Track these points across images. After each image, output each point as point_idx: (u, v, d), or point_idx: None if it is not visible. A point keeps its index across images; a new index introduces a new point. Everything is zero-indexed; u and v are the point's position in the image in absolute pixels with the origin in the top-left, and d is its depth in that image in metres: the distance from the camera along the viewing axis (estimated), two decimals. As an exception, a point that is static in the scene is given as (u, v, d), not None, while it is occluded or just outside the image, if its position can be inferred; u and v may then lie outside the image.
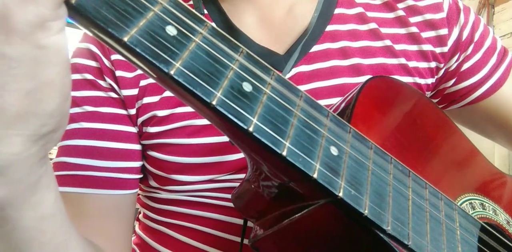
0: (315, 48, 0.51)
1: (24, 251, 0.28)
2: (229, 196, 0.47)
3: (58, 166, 0.49)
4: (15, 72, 0.21)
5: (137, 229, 0.58)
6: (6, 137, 0.22)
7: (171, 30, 0.25)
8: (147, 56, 0.23)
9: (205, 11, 0.52)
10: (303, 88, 0.49)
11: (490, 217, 0.43)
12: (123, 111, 0.49)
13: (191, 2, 0.51)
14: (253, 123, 0.25)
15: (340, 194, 0.26)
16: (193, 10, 0.26)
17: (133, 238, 0.58)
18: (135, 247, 0.56)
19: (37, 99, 0.22)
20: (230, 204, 0.48)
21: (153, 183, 0.51)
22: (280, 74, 0.28)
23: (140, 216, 0.58)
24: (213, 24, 0.27)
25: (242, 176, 0.48)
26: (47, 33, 0.21)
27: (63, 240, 0.31)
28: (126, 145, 0.49)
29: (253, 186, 0.33)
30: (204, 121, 0.47)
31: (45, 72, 0.22)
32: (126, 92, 0.49)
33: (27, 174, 0.24)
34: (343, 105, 0.39)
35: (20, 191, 0.25)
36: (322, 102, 0.37)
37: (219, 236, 0.49)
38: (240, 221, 0.48)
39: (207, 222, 0.50)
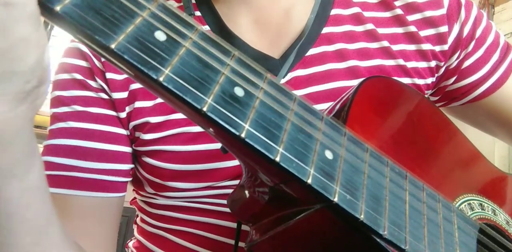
0: (311, 51, 0.50)
1: (4, 225, 0.28)
2: (226, 202, 0.47)
3: None
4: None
5: (135, 233, 0.58)
6: None
7: (160, 36, 0.24)
8: (135, 63, 0.23)
9: (199, 13, 0.51)
10: (300, 92, 0.49)
11: (489, 217, 0.42)
12: (113, 112, 0.48)
13: (182, 3, 0.51)
14: (245, 129, 0.24)
15: (335, 199, 0.26)
16: (183, 15, 0.26)
17: (132, 241, 0.58)
18: (134, 250, 0.56)
19: (14, 57, 0.22)
20: (228, 210, 0.48)
21: (149, 189, 0.51)
22: (273, 78, 0.28)
23: (138, 220, 0.57)
24: (203, 28, 0.26)
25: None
26: None
27: (45, 223, 0.31)
28: (114, 146, 0.48)
29: (248, 191, 0.32)
30: (200, 128, 0.47)
31: (16, 29, 0.21)
32: (116, 95, 0.48)
33: (16, 135, 0.24)
34: (338, 106, 0.38)
35: (10, 155, 0.24)
36: (320, 107, 0.37)
37: (217, 240, 0.49)
38: (237, 225, 0.48)
39: (204, 227, 0.49)
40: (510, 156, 1.60)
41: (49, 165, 0.47)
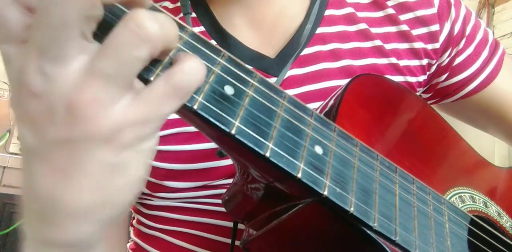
0: (306, 51, 0.51)
1: None
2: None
3: None
4: (120, 178, 0.23)
5: (131, 235, 0.58)
6: (84, 223, 0.23)
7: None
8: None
9: (194, 14, 0.52)
10: (294, 92, 0.49)
11: (480, 209, 0.43)
12: None
13: (178, 4, 0.51)
14: (235, 126, 0.25)
15: (325, 193, 0.27)
16: (175, 18, 0.26)
17: (129, 244, 0.58)
18: (131, 252, 0.56)
19: (127, 193, 0.24)
20: (223, 209, 0.48)
21: (144, 189, 0.51)
22: (263, 76, 0.29)
23: (134, 222, 0.58)
24: (194, 29, 0.27)
25: (234, 181, 0.48)
26: (147, 141, 0.24)
27: None
28: None
29: (241, 189, 0.33)
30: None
31: (140, 170, 0.24)
32: None
33: (86, 246, 0.25)
34: (329, 103, 0.39)
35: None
36: (314, 106, 0.37)
37: (213, 239, 0.49)
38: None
39: (201, 227, 0.50)
40: (510, 156, 1.60)
41: None
